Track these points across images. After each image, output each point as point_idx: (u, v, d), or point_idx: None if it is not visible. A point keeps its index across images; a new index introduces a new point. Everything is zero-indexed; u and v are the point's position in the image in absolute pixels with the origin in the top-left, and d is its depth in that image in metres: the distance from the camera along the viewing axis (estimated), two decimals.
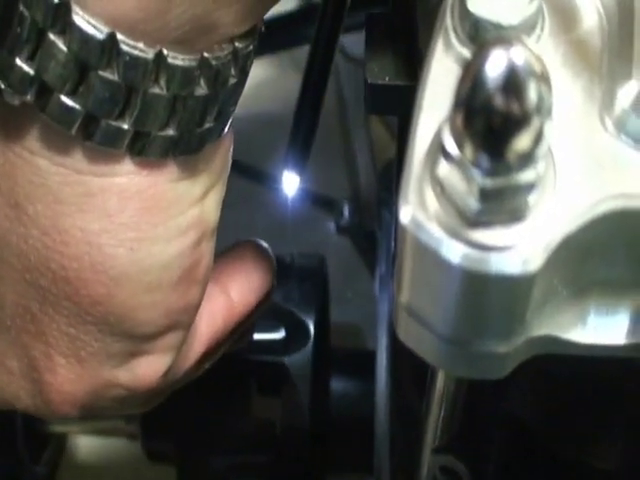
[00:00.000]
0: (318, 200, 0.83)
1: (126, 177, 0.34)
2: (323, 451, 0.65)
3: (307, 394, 0.62)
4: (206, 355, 0.43)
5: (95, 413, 0.41)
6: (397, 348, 0.57)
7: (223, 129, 0.36)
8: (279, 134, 0.83)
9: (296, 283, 0.67)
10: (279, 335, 0.63)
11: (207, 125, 0.35)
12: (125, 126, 0.33)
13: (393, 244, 0.55)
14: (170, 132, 0.34)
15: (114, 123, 0.33)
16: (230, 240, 0.45)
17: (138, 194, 0.35)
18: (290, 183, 0.65)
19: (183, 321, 0.39)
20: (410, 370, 0.52)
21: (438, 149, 0.26)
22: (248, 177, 0.77)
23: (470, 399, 0.39)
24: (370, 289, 0.77)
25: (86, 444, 0.72)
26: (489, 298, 0.27)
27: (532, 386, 0.42)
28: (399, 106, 0.38)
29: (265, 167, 0.81)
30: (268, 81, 0.92)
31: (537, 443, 0.43)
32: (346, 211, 0.82)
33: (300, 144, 0.60)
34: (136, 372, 0.39)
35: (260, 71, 0.90)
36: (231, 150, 0.38)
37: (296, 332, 0.64)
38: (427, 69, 0.29)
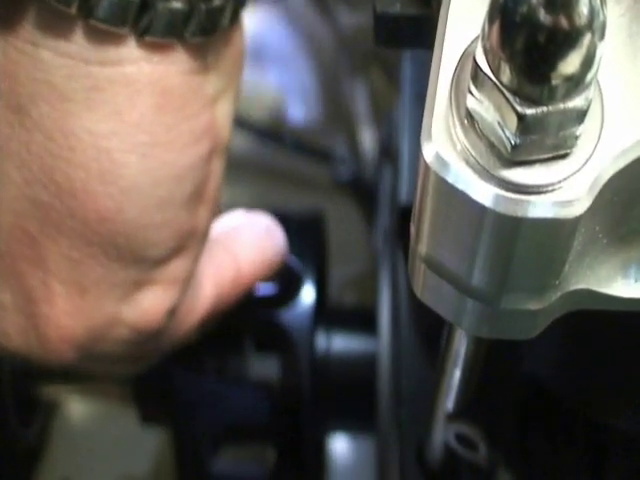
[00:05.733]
0: (315, 153, 0.80)
1: (135, 65, 0.32)
2: (324, 411, 0.63)
3: (306, 352, 0.60)
4: (207, 318, 0.41)
5: (94, 360, 0.38)
6: (399, 304, 0.55)
7: (235, 16, 0.34)
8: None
9: (293, 238, 0.65)
10: (275, 290, 0.61)
11: (216, 1, 0.32)
12: None
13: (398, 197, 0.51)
14: (177, 4, 0.31)
15: None
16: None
17: (149, 86, 0.32)
18: None
19: (190, 246, 0.36)
20: (417, 328, 0.50)
21: (467, 74, 0.22)
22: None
23: (487, 360, 0.36)
24: (370, 244, 0.74)
25: (78, 410, 0.70)
26: (524, 247, 0.23)
27: (551, 346, 0.39)
28: (413, 38, 0.34)
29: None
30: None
31: (557, 408, 0.40)
32: (345, 163, 0.79)
33: None
34: (141, 306, 0.36)
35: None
36: (243, 57, 0.36)
37: (294, 288, 0.62)
38: None
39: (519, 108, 0.21)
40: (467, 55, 0.23)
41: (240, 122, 0.74)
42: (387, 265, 0.61)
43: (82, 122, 0.32)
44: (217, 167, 0.36)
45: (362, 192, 0.79)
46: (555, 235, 0.23)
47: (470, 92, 0.22)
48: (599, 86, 0.23)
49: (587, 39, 0.20)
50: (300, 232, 0.65)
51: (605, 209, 0.24)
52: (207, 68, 0.34)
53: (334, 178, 0.79)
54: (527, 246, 0.23)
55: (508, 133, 0.22)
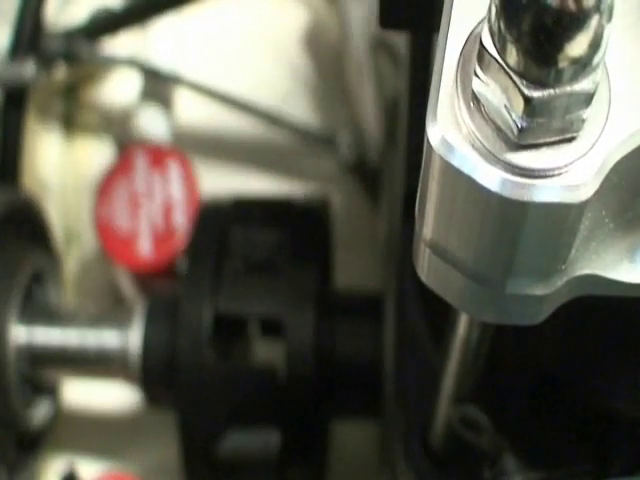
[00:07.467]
0: (320, 137, 0.80)
1: None
2: (328, 397, 0.63)
3: (311, 337, 0.60)
4: None
5: None
6: (404, 290, 0.55)
7: None
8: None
9: (299, 223, 0.64)
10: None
11: None
12: None
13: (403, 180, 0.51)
14: None
15: None
16: None
17: None
18: None
19: None
20: (422, 313, 0.49)
21: (473, 56, 0.22)
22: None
23: (493, 345, 0.35)
24: (375, 230, 0.74)
25: (83, 393, 0.70)
26: (530, 232, 0.23)
27: (557, 331, 0.39)
28: (418, 20, 0.34)
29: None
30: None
31: (563, 393, 0.40)
32: (350, 148, 0.78)
33: None
34: None
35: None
36: None
37: (298, 275, 0.61)
38: None
39: (526, 91, 0.21)
40: (473, 37, 0.23)
41: (244, 107, 0.74)
42: (392, 250, 0.61)
43: None
44: None
45: (367, 177, 0.78)
46: (561, 219, 0.23)
47: (476, 74, 0.22)
48: (606, 69, 0.23)
49: (594, 21, 0.20)
50: (305, 217, 0.65)
51: (612, 193, 0.24)
52: None
53: (339, 163, 0.79)
54: (533, 230, 0.23)
55: (514, 116, 0.22)
